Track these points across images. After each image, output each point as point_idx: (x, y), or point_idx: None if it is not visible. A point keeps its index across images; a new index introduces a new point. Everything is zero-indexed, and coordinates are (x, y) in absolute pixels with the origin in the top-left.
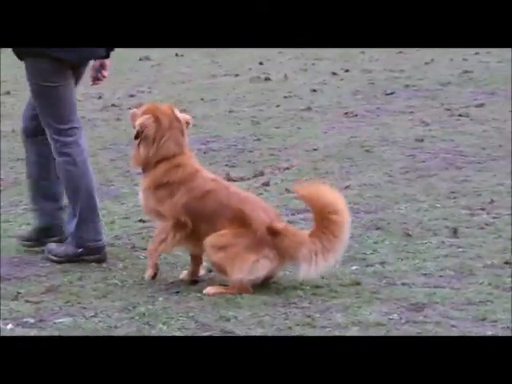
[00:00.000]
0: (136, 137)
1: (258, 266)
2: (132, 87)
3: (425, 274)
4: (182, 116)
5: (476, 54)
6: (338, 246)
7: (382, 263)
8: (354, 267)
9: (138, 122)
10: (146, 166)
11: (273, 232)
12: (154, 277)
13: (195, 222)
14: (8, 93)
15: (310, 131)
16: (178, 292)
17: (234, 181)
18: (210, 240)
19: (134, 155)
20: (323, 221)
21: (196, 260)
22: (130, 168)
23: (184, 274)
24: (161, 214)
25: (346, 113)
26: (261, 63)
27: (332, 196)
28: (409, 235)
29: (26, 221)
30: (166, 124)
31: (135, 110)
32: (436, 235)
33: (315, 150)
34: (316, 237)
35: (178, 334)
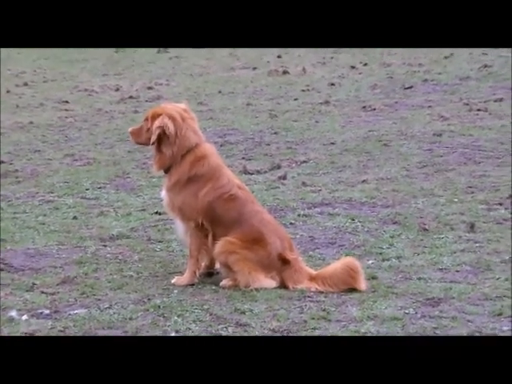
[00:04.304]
0: (157, 140)
1: (267, 282)
2: (150, 79)
3: (441, 269)
4: (183, 106)
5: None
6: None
7: (399, 257)
8: (370, 261)
9: (156, 125)
10: (171, 165)
11: (283, 260)
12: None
13: (212, 224)
14: (26, 84)
15: (328, 125)
16: (193, 284)
17: (251, 174)
18: (221, 244)
19: (158, 159)
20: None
21: (211, 253)
22: (147, 160)
23: (200, 267)
24: (184, 214)
25: (364, 107)
26: (279, 56)
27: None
28: (426, 230)
29: (42, 212)
30: (179, 118)
31: (132, 128)
32: (453, 230)
33: (333, 143)
34: (316, 282)
35: (192, 326)
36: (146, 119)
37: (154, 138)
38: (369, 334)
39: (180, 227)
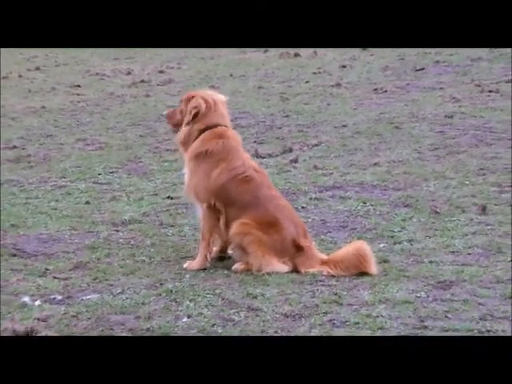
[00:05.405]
0: (193, 118)
1: (279, 266)
2: (161, 63)
3: (453, 252)
4: (219, 95)
5: None
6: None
7: (410, 241)
8: (381, 245)
9: (192, 105)
10: (190, 142)
11: (296, 246)
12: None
13: (225, 205)
14: (38, 68)
15: (340, 107)
16: (205, 269)
17: (262, 157)
18: (237, 225)
19: (182, 131)
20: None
21: (224, 237)
22: (159, 145)
23: (212, 251)
24: (198, 196)
25: (376, 89)
26: None
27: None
28: (437, 212)
29: (54, 197)
30: (210, 100)
31: (167, 110)
32: (464, 212)
33: (344, 126)
34: (328, 266)
35: (204, 311)
36: (181, 101)
37: (188, 118)
38: (380, 318)
39: (199, 212)
